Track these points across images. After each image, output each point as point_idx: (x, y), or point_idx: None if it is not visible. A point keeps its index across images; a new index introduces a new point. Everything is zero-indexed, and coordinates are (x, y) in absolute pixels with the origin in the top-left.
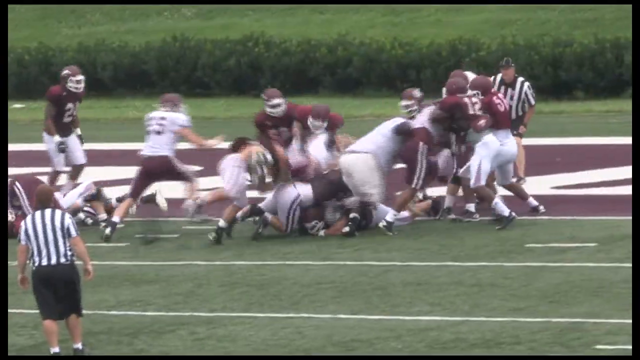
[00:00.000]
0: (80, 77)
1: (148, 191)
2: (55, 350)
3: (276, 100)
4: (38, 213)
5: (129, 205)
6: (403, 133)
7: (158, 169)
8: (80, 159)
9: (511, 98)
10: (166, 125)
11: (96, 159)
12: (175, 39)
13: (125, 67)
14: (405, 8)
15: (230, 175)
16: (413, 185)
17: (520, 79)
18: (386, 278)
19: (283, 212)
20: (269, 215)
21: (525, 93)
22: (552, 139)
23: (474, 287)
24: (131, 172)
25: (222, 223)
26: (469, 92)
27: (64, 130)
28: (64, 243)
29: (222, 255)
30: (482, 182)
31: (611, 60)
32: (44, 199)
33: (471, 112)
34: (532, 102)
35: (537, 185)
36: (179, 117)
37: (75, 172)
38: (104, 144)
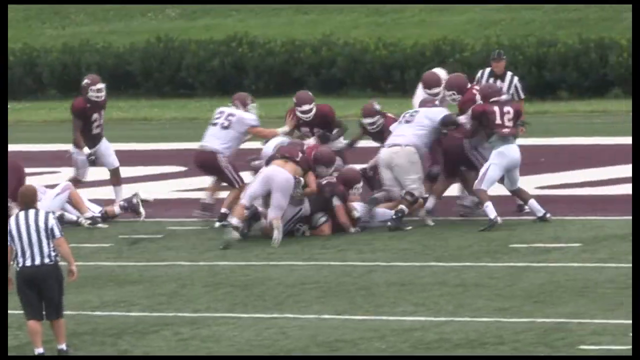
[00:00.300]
0: (101, 86)
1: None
2: (39, 350)
3: (306, 107)
4: (22, 213)
5: (235, 196)
6: (450, 124)
7: (203, 163)
8: (114, 162)
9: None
10: (233, 122)
11: None
12: (159, 40)
13: (110, 67)
14: (389, 8)
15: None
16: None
17: (510, 72)
18: (370, 278)
19: (284, 220)
20: (263, 221)
21: (515, 86)
22: (536, 139)
23: (458, 288)
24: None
25: (236, 222)
26: (447, 92)
27: (94, 140)
28: (48, 244)
29: (205, 255)
30: (483, 187)
31: (595, 60)
32: (28, 200)
33: (498, 121)
34: (522, 95)
35: (521, 186)
36: (247, 117)
37: (115, 176)
38: None
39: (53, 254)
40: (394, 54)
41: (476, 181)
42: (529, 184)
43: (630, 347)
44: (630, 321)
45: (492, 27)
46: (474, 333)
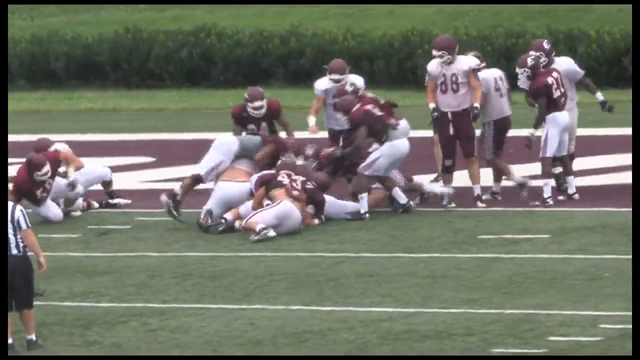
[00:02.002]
0: (258, 104)
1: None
2: (8, 341)
3: (257, 103)
4: None
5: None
6: None
7: None
8: None
9: None
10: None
11: None
12: (127, 31)
13: (78, 58)
14: None
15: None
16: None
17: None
18: (338, 269)
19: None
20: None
21: None
22: None
23: (427, 279)
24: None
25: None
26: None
27: None
28: (15, 235)
29: (174, 246)
30: (368, 173)
31: (564, 51)
32: None
33: (379, 114)
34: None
35: (490, 177)
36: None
37: None
38: (56, 135)
39: (21, 245)
40: (362, 45)
41: (363, 165)
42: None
43: (599, 338)
44: (599, 312)
45: (461, 18)
46: (443, 324)
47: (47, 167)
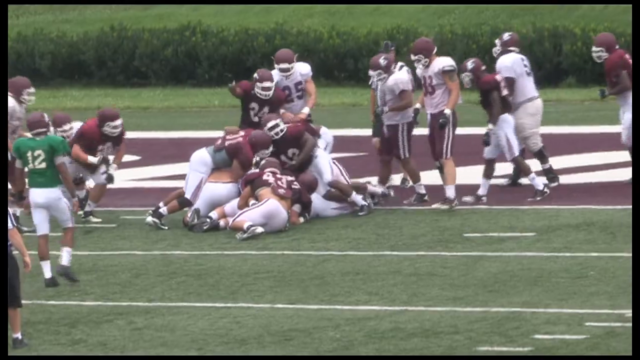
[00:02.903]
0: (268, 84)
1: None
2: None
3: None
4: None
5: None
6: None
7: None
8: None
9: None
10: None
11: None
12: (113, 29)
13: (64, 56)
14: None
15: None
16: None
17: (400, 63)
18: (324, 267)
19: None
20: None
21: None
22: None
23: (412, 277)
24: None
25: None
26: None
27: (252, 126)
28: None
29: (159, 245)
30: (333, 177)
31: (549, 49)
32: None
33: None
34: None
35: (472, 175)
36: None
37: None
38: None
39: (7, 244)
40: (347, 43)
41: (326, 178)
42: (480, 173)
43: (585, 336)
44: (584, 310)
45: (446, 16)
46: (428, 322)
47: (120, 121)
